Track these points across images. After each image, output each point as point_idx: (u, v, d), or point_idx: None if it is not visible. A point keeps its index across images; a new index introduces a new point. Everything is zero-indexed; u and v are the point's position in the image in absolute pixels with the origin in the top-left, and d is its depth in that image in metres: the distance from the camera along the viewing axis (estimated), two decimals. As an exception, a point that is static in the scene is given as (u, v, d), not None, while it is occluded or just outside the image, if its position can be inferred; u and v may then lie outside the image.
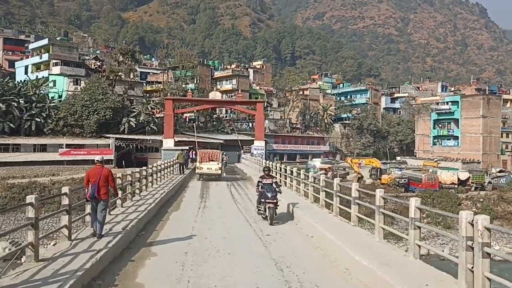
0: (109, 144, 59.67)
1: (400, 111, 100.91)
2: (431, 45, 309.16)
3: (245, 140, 65.86)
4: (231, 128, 76.29)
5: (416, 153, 79.70)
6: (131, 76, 72.17)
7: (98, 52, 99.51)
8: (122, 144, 59.41)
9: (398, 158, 76.45)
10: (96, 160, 11.30)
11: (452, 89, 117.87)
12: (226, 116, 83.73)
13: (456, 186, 49.38)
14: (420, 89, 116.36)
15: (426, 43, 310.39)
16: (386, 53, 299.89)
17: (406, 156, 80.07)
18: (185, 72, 76.66)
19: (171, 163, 33.04)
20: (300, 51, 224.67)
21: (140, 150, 63.83)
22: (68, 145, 58.55)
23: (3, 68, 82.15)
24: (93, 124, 60.58)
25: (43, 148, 58.02)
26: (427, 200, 44.09)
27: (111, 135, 59.90)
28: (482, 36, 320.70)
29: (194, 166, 38.39)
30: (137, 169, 19.19)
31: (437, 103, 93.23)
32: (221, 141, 66.20)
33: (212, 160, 30.34)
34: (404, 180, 51.05)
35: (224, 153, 40.25)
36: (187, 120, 77.44)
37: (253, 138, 62.62)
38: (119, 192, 14.02)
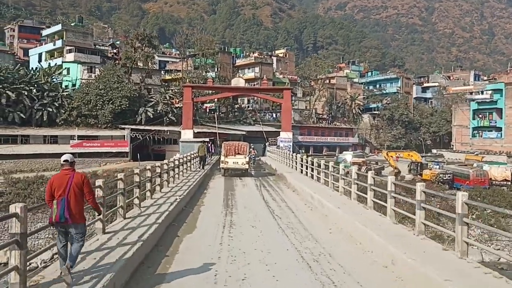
0: (124, 136, 54.95)
1: (431, 101, 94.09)
2: (456, 35, 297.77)
3: (270, 132, 60.54)
4: (254, 118, 71.06)
5: (453, 145, 73.16)
6: (149, 63, 67.24)
7: (118, 42, 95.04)
8: (138, 135, 54.64)
9: (433, 151, 70.04)
10: (64, 161, 6.94)
11: (485, 78, 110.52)
12: (249, 106, 78.50)
13: (510, 183, 43.16)
14: (451, 78, 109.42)
15: (451, 32, 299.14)
16: (410, 43, 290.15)
17: (441, 149, 73.65)
18: (205, 60, 71.49)
19: (190, 157, 28.01)
20: (322, 41, 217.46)
21: (158, 142, 59.07)
22: (80, 137, 54.09)
23: (17, 57, 78.21)
24: (108, 114, 56.06)
25: (54, 139, 53.70)
26: (476, 199, 38.18)
27: (126, 126, 55.13)
28: (510, 25, 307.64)
29: (215, 161, 33.82)
30: (149, 166, 14.83)
31: (471, 93, 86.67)
32: (244, 133, 61.05)
33: (239, 154, 26.93)
34: (448, 176, 45.03)
35: (252, 146, 35.11)
36: (208, 110, 72.47)
37: (279, 130, 57.22)
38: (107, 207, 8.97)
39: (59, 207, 6.41)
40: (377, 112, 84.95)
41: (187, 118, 49.71)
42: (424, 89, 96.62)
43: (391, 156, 50.98)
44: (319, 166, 20.78)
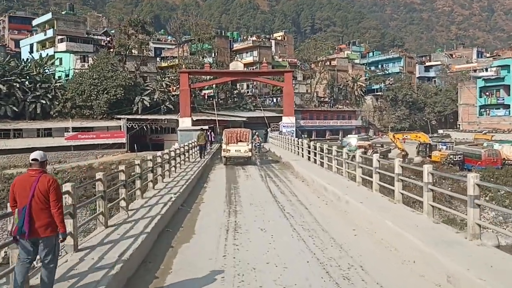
0: (121, 126, 52.97)
1: (435, 80, 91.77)
2: (455, 13, 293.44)
3: (271, 117, 58.55)
4: (254, 104, 69.02)
5: (459, 125, 71.08)
6: (143, 50, 64.93)
7: (112, 31, 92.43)
8: (135, 125, 52.66)
9: (440, 131, 68.00)
10: (32, 159, 5.42)
11: (488, 55, 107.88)
12: (248, 92, 76.36)
13: (524, 162, 41.32)
14: (454, 56, 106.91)
15: (450, 10, 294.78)
16: (409, 23, 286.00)
17: (447, 129, 71.65)
18: (202, 45, 69.12)
19: (189, 146, 26.18)
20: (320, 23, 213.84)
21: (156, 131, 57.12)
22: (75, 129, 52.11)
23: (8, 48, 75.82)
24: (103, 104, 54.14)
25: (48, 132, 51.71)
26: (489, 180, 36.37)
27: (122, 116, 53.12)
28: (510, 1, 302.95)
29: (216, 150, 32.09)
30: (148, 156, 13.81)
31: (475, 70, 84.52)
32: (244, 119, 59.05)
33: (241, 141, 25.24)
34: (459, 157, 43.16)
35: (257, 133, 33.19)
36: (206, 97, 70.36)
37: (280, 114, 55.22)
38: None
39: (19, 218, 5.13)
40: (380, 93, 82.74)
41: (184, 106, 47.60)
42: (427, 68, 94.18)
43: (398, 138, 49.08)
44: (329, 152, 18.88)
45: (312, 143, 24.63)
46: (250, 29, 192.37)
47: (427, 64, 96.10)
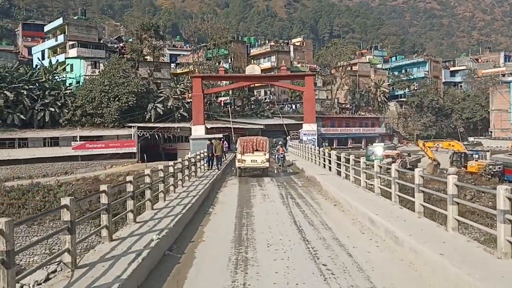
0: (131, 135, 49.69)
1: (461, 86, 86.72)
2: (477, 18, 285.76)
3: (290, 124, 54.74)
4: (272, 111, 65.32)
5: (491, 132, 66.09)
6: (157, 56, 61.81)
7: (130, 40, 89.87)
8: (146, 134, 49.35)
9: (471, 139, 63.07)
10: None
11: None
12: (266, 98, 72.71)
13: None
14: (479, 60, 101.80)
15: (471, 16, 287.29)
16: (429, 29, 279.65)
17: (477, 136, 66.75)
18: (217, 50, 65.71)
19: (200, 157, 22.72)
20: (339, 30, 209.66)
21: (168, 140, 53.76)
22: (83, 137, 48.97)
23: (21, 56, 73.57)
24: (114, 112, 51.12)
25: (54, 141, 48.69)
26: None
27: (133, 124, 49.90)
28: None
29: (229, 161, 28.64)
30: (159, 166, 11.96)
31: (503, 75, 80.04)
32: (262, 127, 55.45)
33: (257, 150, 23.15)
34: (498, 168, 38.66)
35: (280, 143, 29.44)
36: (222, 104, 66.90)
37: (300, 122, 51.31)
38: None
39: None
40: (404, 99, 78.14)
41: (197, 112, 43.91)
42: (453, 73, 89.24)
43: (429, 147, 44.70)
44: (366, 167, 14.96)
45: (334, 152, 20.73)
46: (268, 37, 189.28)
47: (452, 69, 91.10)
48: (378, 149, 49.49)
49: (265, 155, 22.98)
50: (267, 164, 23.15)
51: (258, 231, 10.26)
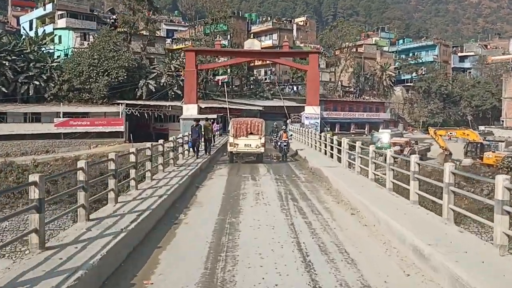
0: (120, 113, 45.79)
1: (470, 72, 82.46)
2: (483, 5, 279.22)
3: (291, 107, 50.86)
4: (272, 92, 61.34)
5: (503, 121, 62.18)
6: (150, 29, 57.45)
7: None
8: (135, 112, 45.43)
9: (481, 127, 59.09)
10: None
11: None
12: (266, 79, 68.61)
13: None
14: (488, 47, 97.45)
15: (477, 2, 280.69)
16: (434, 15, 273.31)
17: (487, 125, 62.92)
18: (215, 26, 61.26)
19: (183, 140, 19.08)
20: (343, 12, 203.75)
21: (159, 119, 49.91)
22: (67, 114, 45.06)
23: (9, 26, 69.05)
24: (103, 87, 47.25)
25: (36, 117, 44.79)
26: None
27: (121, 101, 45.99)
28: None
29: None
30: None
31: (515, 61, 76.07)
32: (261, 108, 51.70)
33: (252, 133, 20.93)
34: (517, 160, 34.84)
35: (284, 127, 25.48)
36: (220, 83, 62.78)
37: (302, 104, 47.44)
38: None
39: None
40: (410, 84, 73.98)
41: (190, 90, 39.66)
42: (462, 59, 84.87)
43: (440, 135, 40.89)
44: (394, 162, 11.25)
45: (346, 140, 16.97)
46: (270, 17, 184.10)
47: (461, 54, 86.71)
48: (384, 136, 45.61)
49: (260, 139, 20.70)
50: (262, 149, 20.80)
51: (242, 268, 6.47)
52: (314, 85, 41.13)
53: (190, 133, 20.16)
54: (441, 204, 8.08)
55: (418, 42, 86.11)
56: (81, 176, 7.53)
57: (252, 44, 41.85)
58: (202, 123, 21.46)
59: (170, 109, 46.55)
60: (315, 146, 24.05)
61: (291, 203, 11.27)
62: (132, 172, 10.75)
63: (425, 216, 8.29)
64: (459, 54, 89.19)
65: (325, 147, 20.55)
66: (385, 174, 11.81)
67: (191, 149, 19.85)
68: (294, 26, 77.26)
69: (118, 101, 46.15)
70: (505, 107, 62.13)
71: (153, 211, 8.72)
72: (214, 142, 25.57)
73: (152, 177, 12.46)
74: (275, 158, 23.34)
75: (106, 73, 47.67)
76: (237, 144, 20.63)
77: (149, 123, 50.31)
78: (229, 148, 20.94)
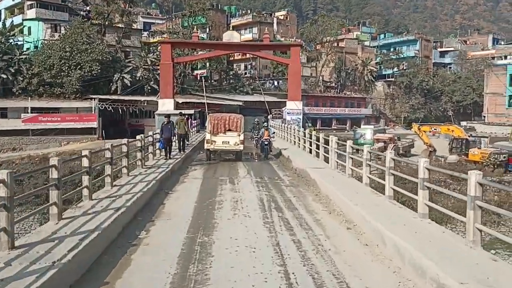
0: (92, 108, 43.49)
1: (450, 67, 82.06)
2: (460, 2, 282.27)
3: (271, 102, 49.30)
4: (252, 87, 59.68)
5: (484, 116, 61.67)
6: (126, 21, 55.06)
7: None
8: (109, 107, 43.18)
9: (463, 123, 58.44)
10: None
11: (503, 42, 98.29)
12: (246, 73, 66.84)
13: None
14: (468, 42, 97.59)
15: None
16: (412, 11, 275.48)
17: (467, 120, 62.36)
18: (194, 19, 59.07)
19: (154, 138, 17.24)
20: (323, 8, 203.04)
21: (135, 115, 47.76)
22: (36, 109, 42.56)
23: (-24, 17, 65.53)
24: (75, 81, 44.86)
25: (3, 113, 42.18)
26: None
27: (94, 96, 43.69)
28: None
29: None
30: None
31: (493, 58, 76.02)
32: (240, 103, 50.05)
33: (230, 130, 19.85)
34: (504, 157, 34.07)
35: (265, 124, 23.76)
36: (198, 78, 60.73)
37: (282, 99, 45.88)
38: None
39: None
40: (391, 79, 73.10)
41: (166, 84, 37.42)
42: (442, 54, 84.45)
43: (424, 131, 39.88)
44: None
45: (334, 138, 15.39)
46: (250, 11, 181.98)
47: (441, 49, 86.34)
48: (367, 131, 44.55)
49: (239, 136, 19.67)
50: (241, 147, 19.77)
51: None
52: (295, 79, 39.48)
53: (160, 131, 18.25)
54: (462, 221, 6.57)
55: (399, 37, 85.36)
56: (54, 173, 7.28)
57: (231, 37, 39.92)
58: (175, 119, 19.66)
59: (145, 104, 44.40)
60: (299, 144, 22.42)
61: (275, 213, 9.60)
62: (85, 179, 8.91)
63: (442, 236, 6.72)
64: (439, 49, 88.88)
65: (310, 145, 18.97)
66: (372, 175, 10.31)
67: (160, 149, 17.94)
68: (275, 20, 75.54)
69: (91, 96, 43.80)
70: (486, 103, 61.59)
71: (104, 231, 6.94)
72: (188, 139, 23.74)
73: (113, 183, 10.63)
74: (256, 157, 21.68)
75: (79, 66, 45.45)
76: (215, 141, 19.48)
77: (124, 119, 48.08)
78: (206, 146, 19.80)
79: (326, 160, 15.65)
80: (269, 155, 21.05)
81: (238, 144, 19.51)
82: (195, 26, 56.26)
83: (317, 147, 17.33)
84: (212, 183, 13.60)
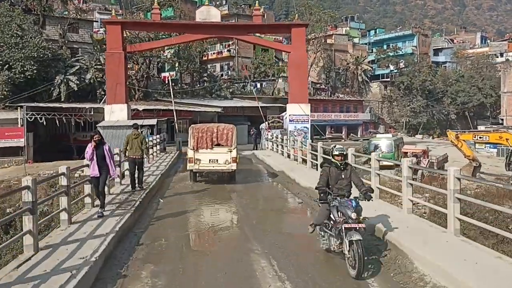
0: (18, 120, 31.47)
1: (445, 67, 73.19)
2: (428, 6, 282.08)
3: (251, 108, 38.75)
4: (230, 90, 48.89)
5: (502, 119, 52.38)
6: (72, 10, 43.39)
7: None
8: (41, 118, 31.12)
9: (480, 127, 48.86)
10: None
11: (490, 41, 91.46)
12: (222, 75, 55.93)
13: None
14: (455, 41, 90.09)
15: (423, 4, 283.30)
16: (382, 16, 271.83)
17: (488, 124, 53.41)
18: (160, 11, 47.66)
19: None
20: (296, 11, 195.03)
21: (82, 128, 35.92)
22: None
23: None
24: (3, 85, 33.03)
25: None
26: None
27: (21, 104, 31.72)
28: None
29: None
30: None
31: (489, 55, 68.86)
32: (218, 110, 39.08)
33: (219, 145, 15.10)
34: None
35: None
36: (167, 81, 49.44)
37: (268, 104, 35.05)
38: None
39: None
40: (387, 80, 63.25)
41: (114, 83, 24.57)
42: (436, 52, 75.63)
43: (464, 141, 29.40)
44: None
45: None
46: (225, 3, 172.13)
47: (435, 47, 77.80)
48: (383, 142, 33.71)
49: (230, 152, 15.09)
50: (233, 166, 15.12)
51: None
52: (300, 73, 27.35)
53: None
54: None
55: (394, 32, 75.95)
56: (27, 196, 6.34)
57: (207, 15, 27.91)
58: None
59: (92, 113, 32.43)
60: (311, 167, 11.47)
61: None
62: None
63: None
64: (433, 47, 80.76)
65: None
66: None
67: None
68: (253, 18, 64.79)
69: (18, 104, 31.77)
70: (504, 103, 52.23)
71: None
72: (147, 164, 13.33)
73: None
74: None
75: (7, 65, 33.93)
76: (199, 160, 15.15)
77: (68, 133, 36.20)
78: (189, 166, 15.39)
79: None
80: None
81: (230, 163, 15.07)
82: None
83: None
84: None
